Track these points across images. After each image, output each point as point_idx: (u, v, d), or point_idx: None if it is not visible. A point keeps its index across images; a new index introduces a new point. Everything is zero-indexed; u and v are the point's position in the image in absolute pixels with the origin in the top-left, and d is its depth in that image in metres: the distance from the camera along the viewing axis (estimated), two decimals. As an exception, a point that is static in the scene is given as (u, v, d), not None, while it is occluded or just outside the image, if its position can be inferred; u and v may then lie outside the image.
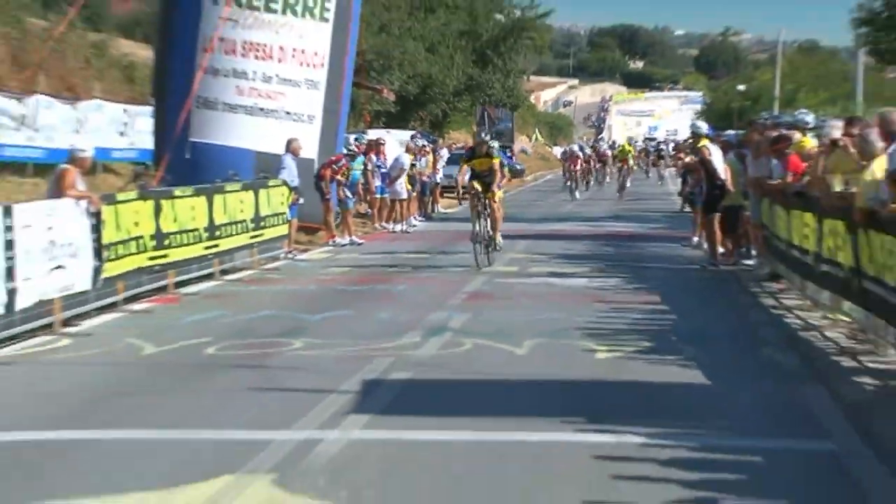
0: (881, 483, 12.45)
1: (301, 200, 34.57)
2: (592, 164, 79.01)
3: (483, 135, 26.89)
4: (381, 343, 20.50)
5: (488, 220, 26.53)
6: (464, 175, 25.43)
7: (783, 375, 18.63)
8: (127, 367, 19.28)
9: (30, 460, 13.54)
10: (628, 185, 72.90)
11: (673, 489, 11.87)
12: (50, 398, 16.92)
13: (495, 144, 34.68)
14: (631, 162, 78.23)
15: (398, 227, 42.49)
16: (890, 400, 16.75)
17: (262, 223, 31.96)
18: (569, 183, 72.10)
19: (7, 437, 14.43)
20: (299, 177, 34.03)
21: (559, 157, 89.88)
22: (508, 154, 77.54)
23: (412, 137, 50.42)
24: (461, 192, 26.44)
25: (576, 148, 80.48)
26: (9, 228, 19.76)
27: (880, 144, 18.77)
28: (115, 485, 12.16)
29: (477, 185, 25.17)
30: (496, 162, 25.05)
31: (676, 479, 12.21)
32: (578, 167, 73.98)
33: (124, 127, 44.05)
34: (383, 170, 44.45)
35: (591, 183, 77.54)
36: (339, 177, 37.94)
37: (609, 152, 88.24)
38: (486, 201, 26.13)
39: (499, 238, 26.22)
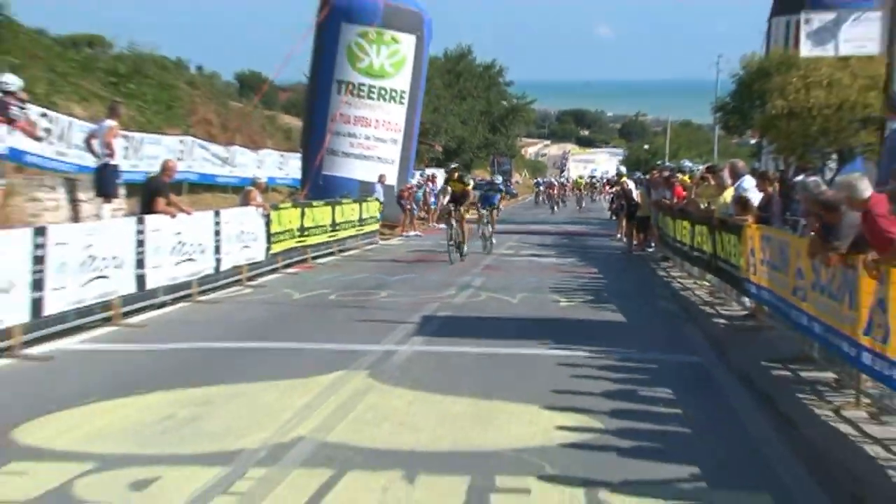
0: (728, 381, 14.32)
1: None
2: (559, 191, 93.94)
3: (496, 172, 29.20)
4: (432, 294, 23.22)
5: (459, 228, 29.11)
6: (445, 196, 25.90)
7: (670, 317, 21.42)
8: (283, 305, 21.77)
9: (227, 358, 15.46)
10: (583, 203, 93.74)
11: (604, 382, 13.56)
12: (239, 323, 19.00)
13: (499, 178, 47.37)
14: (582, 190, 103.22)
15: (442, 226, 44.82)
16: (734, 333, 18.89)
17: (363, 222, 38.17)
18: (547, 201, 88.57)
19: (215, 344, 16.71)
20: (385, 196, 41.31)
21: (534, 186, 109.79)
22: (509, 184, 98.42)
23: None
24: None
25: (553, 180, 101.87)
26: (217, 223, 22.75)
27: (729, 181, 22.21)
28: (274, 375, 13.85)
29: (450, 205, 28.24)
30: (468, 188, 28.78)
31: (606, 377, 13.99)
32: (556, 192, 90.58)
33: (283, 165, 49.64)
34: (435, 192, 54.47)
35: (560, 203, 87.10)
36: (408, 196, 45.93)
37: (567, 184, 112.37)
38: (459, 215, 28.90)
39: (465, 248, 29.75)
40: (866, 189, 11.66)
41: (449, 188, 33.92)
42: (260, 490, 8.68)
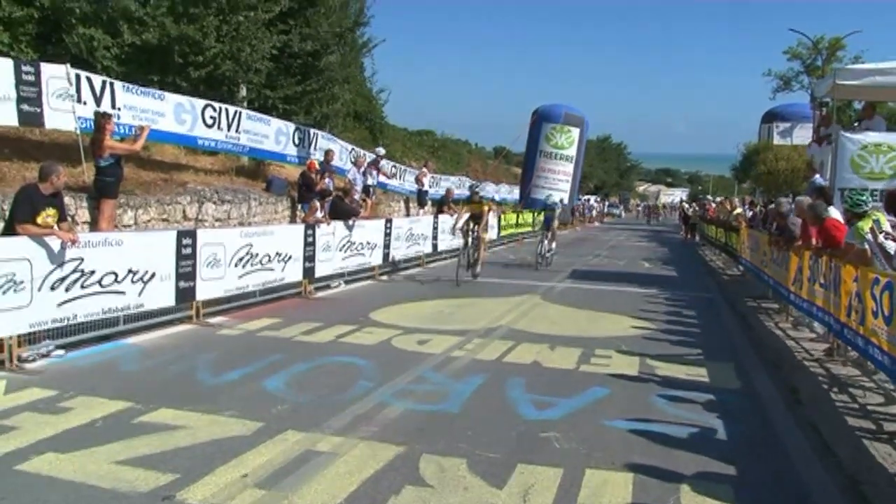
0: (724, 307, 13.80)
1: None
2: (654, 210, 77.59)
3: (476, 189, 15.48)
4: (580, 259, 22.76)
5: (475, 247, 16.06)
6: (463, 215, 16.44)
7: (700, 273, 20.48)
8: (504, 262, 20.98)
9: (472, 285, 15.29)
10: (661, 218, 74.31)
11: (661, 305, 13.35)
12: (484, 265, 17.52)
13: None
14: (661, 210, 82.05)
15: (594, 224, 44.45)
16: (730, 282, 18.05)
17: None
18: (647, 215, 72.82)
19: (467, 277, 15.84)
20: (562, 208, 37.21)
21: (642, 207, 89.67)
22: (617, 205, 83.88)
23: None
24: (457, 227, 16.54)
25: (648, 204, 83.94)
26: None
27: (737, 205, 21.44)
28: (494, 294, 13.98)
29: (470, 223, 15.94)
30: (485, 208, 16.37)
31: (663, 302, 13.73)
32: (651, 211, 75.20)
33: (511, 192, 46.10)
34: (591, 208, 53.62)
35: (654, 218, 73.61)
36: (576, 209, 44.50)
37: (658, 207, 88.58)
38: (476, 234, 15.99)
39: (478, 268, 16.01)
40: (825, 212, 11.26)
41: (466, 209, 17.52)
42: (477, 349, 8.89)
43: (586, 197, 61.27)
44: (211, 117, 15.82)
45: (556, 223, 20.63)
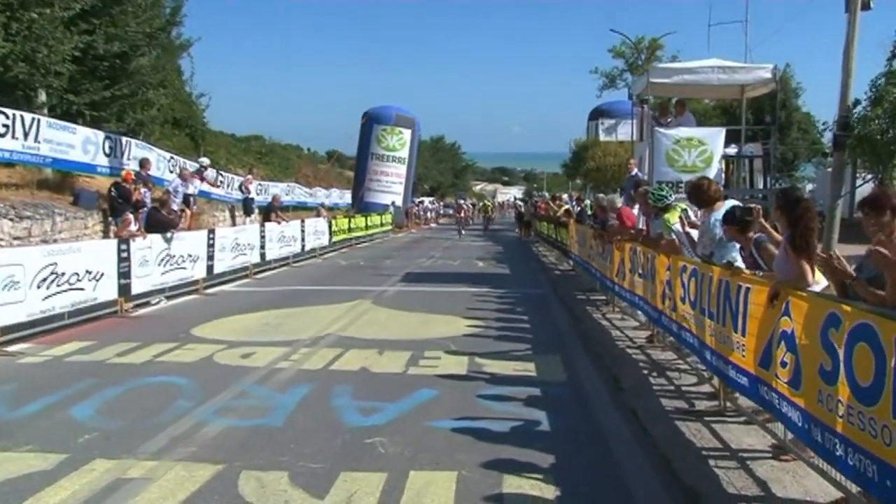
0: (553, 301, 14.47)
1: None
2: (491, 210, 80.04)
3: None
4: (414, 262, 22.64)
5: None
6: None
7: (533, 270, 21.04)
8: (335, 268, 21.34)
9: (301, 294, 15.15)
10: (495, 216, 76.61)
11: (493, 304, 13.84)
12: (310, 276, 18.78)
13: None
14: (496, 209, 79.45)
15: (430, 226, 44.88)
16: (561, 278, 18.68)
17: (383, 225, 37.03)
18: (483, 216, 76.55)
19: (297, 287, 16.32)
20: (395, 211, 40.78)
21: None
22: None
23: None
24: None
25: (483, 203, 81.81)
26: (303, 226, 22.46)
27: (565, 202, 22.21)
28: (323, 302, 13.82)
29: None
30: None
31: (494, 301, 14.24)
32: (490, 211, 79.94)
33: (342, 196, 48.58)
34: (425, 209, 54.81)
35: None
36: (411, 211, 46.26)
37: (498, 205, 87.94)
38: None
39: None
40: (617, 203, 12.06)
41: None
42: (304, 359, 8.87)
43: (420, 199, 62.06)
44: (3, 125, 14.87)
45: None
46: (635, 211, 12.01)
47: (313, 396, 7.26)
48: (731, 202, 7.56)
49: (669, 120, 15.07)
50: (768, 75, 14.61)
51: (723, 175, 14.38)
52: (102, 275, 11.76)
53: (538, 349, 9.63)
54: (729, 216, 6.79)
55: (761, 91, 16.01)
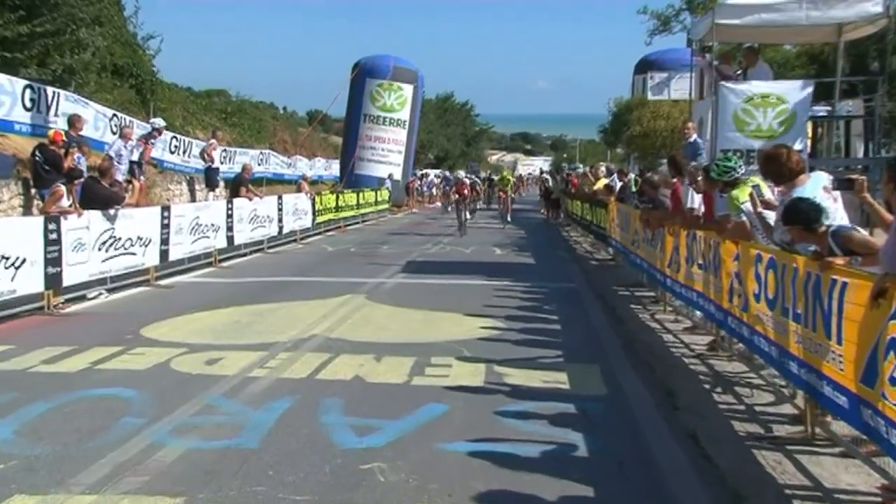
0: (588, 297, 14.47)
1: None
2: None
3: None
4: (417, 248, 22.88)
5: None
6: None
7: (563, 260, 21.14)
8: (321, 255, 21.57)
9: (278, 287, 15.31)
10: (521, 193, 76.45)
11: (514, 300, 13.76)
12: (290, 266, 18.98)
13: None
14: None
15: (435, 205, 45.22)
16: (598, 269, 18.77)
17: (378, 203, 37.82)
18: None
19: (273, 278, 16.55)
20: (392, 186, 41.40)
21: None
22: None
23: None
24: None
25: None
26: (280, 203, 22.72)
27: (603, 176, 22.91)
28: (307, 296, 13.99)
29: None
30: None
31: (517, 297, 14.19)
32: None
33: (328, 167, 48.93)
34: (428, 184, 57.13)
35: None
36: (412, 187, 47.66)
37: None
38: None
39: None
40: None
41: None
42: (284, 366, 8.84)
43: (423, 171, 61.61)
44: None
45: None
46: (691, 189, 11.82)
47: (296, 412, 7.19)
48: (818, 176, 7.39)
49: (738, 72, 14.72)
50: (878, 9, 13.88)
51: (808, 141, 13.96)
52: (23, 261, 11.53)
53: (571, 356, 9.55)
54: (790, 214, 6.48)
55: (866, 31, 15.33)
